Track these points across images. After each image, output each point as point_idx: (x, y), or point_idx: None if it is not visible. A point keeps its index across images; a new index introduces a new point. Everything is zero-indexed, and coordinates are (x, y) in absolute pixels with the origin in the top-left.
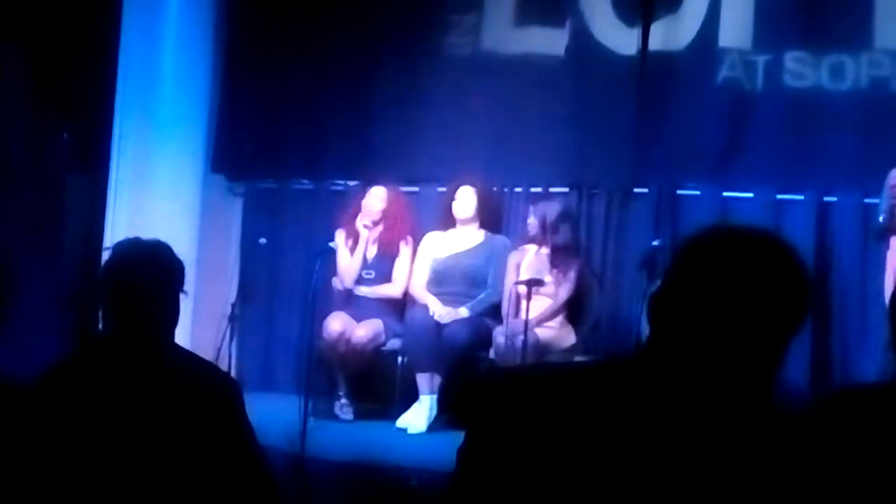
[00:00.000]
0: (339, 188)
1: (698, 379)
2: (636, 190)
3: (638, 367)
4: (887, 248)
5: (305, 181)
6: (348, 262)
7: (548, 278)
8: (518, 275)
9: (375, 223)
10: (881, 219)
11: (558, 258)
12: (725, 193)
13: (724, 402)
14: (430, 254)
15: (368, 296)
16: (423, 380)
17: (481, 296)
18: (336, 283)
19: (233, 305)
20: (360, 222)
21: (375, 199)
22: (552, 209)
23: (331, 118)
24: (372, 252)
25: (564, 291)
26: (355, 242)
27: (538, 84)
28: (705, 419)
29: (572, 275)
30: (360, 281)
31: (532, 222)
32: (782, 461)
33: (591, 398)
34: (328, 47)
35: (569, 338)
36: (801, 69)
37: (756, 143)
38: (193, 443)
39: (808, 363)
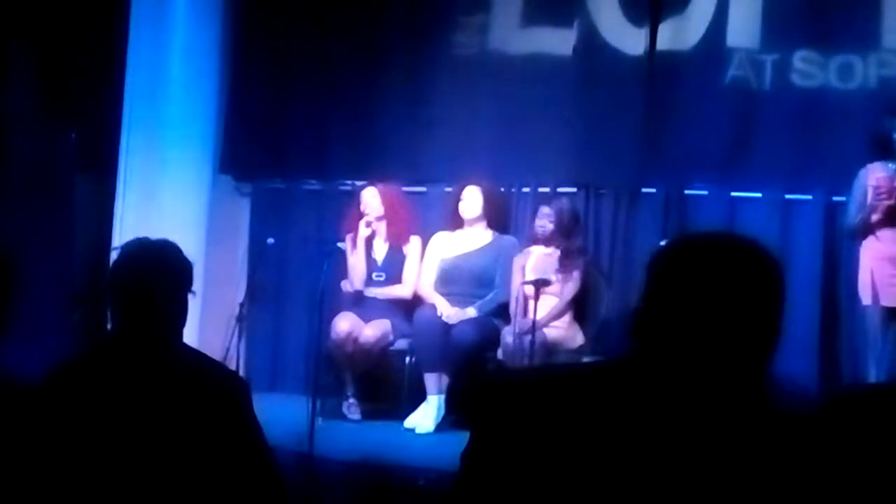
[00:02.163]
0: (347, 188)
1: (693, 381)
2: (644, 190)
3: (638, 370)
4: (859, 245)
5: (313, 181)
6: (358, 265)
7: (554, 277)
8: (523, 276)
9: (378, 220)
10: (859, 218)
11: (567, 257)
12: (733, 193)
13: (721, 402)
14: (438, 254)
15: (378, 297)
16: (430, 380)
17: (489, 296)
18: (345, 285)
19: (241, 305)
20: (363, 223)
21: (369, 197)
22: (566, 209)
23: (338, 118)
24: (381, 253)
25: (570, 289)
26: (363, 244)
27: (545, 84)
28: (705, 420)
29: (577, 273)
30: (370, 283)
31: (543, 223)
32: (786, 459)
33: (593, 400)
34: (335, 47)
35: (577, 338)
36: (809, 69)
37: (764, 143)
38: (202, 442)
39: (817, 363)
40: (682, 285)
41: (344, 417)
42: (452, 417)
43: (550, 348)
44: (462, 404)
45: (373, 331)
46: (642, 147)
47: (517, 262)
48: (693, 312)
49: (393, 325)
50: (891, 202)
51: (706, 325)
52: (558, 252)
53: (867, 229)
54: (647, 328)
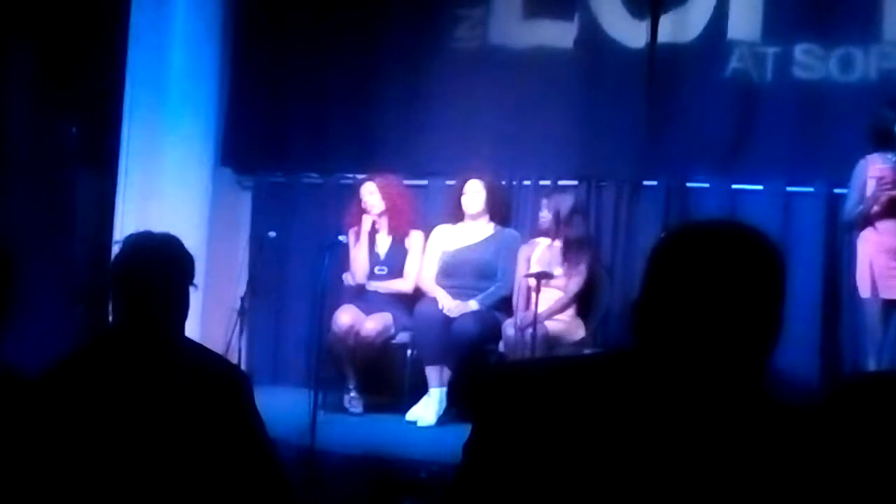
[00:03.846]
0: (348, 181)
1: (694, 372)
2: (645, 182)
3: (639, 361)
4: (856, 237)
5: (314, 174)
6: (360, 259)
7: (558, 270)
8: (528, 268)
9: (380, 215)
10: (858, 210)
11: (571, 251)
12: (735, 186)
13: (722, 393)
14: (440, 247)
15: (379, 290)
16: (432, 373)
17: (491, 289)
18: (347, 278)
19: (242, 299)
20: (367, 218)
21: (368, 194)
22: (565, 201)
23: (339, 111)
24: (384, 247)
25: (575, 284)
26: (366, 238)
27: (547, 77)
28: (705, 412)
29: (583, 267)
30: (372, 276)
31: (545, 215)
32: (788, 450)
33: (595, 391)
34: (335, 41)
35: (578, 331)
36: (810, 61)
37: (765, 136)
38: (203, 436)
39: (818, 355)
40: (682, 274)
41: (345, 411)
42: (454, 410)
43: (552, 341)
44: (464, 397)
45: (374, 324)
46: (643, 140)
47: (523, 252)
48: (694, 302)
49: (394, 319)
50: (894, 193)
51: (707, 315)
52: (559, 245)
53: (866, 221)
54: (647, 318)
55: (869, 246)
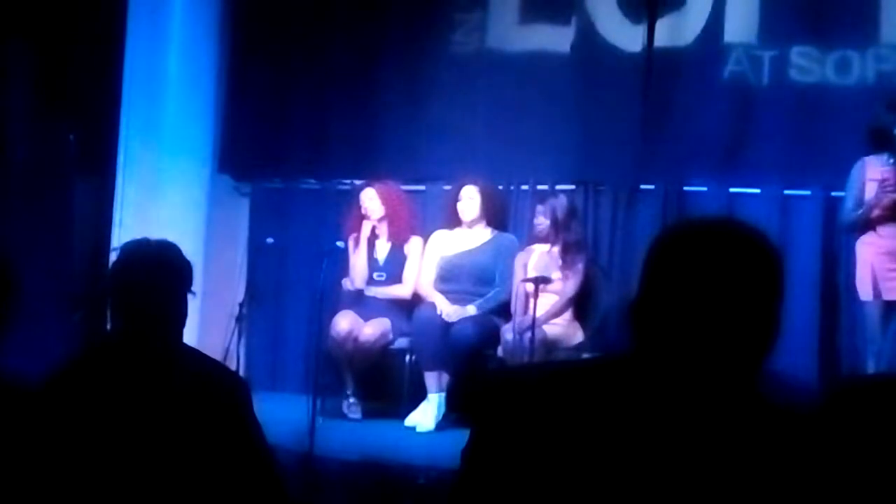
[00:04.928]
0: (346, 187)
1: (690, 374)
2: (643, 186)
3: (637, 365)
4: (855, 240)
5: (311, 180)
6: (359, 264)
7: (556, 274)
8: (525, 274)
9: (379, 221)
10: (860, 212)
11: (568, 254)
12: (732, 189)
13: (720, 397)
14: (438, 252)
15: (378, 296)
16: (431, 378)
17: (489, 294)
18: (346, 283)
19: (240, 305)
20: (367, 224)
21: (368, 200)
22: (561, 205)
23: (336, 117)
24: (383, 253)
25: (571, 286)
26: (365, 244)
27: (544, 82)
28: (703, 414)
29: (579, 268)
30: (370, 282)
31: (541, 221)
32: (787, 453)
33: (593, 396)
34: (333, 46)
35: (577, 335)
36: (807, 64)
37: (762, 139)
38: (202, 442)
39: (816, 358)
40: (679, 273)
41: (344, 416)
42: (453, 415)
43: (550, 346)
44: (462, 402)
45: (372, 329)
46: (641, 143)
47: (519, 259)
48: (691, 301)
49: (393, 324)
50: None
51: (704, 315)
52: (558, 249)
53: (867, 224)
54: (644, 318)
55: (870, 249)
